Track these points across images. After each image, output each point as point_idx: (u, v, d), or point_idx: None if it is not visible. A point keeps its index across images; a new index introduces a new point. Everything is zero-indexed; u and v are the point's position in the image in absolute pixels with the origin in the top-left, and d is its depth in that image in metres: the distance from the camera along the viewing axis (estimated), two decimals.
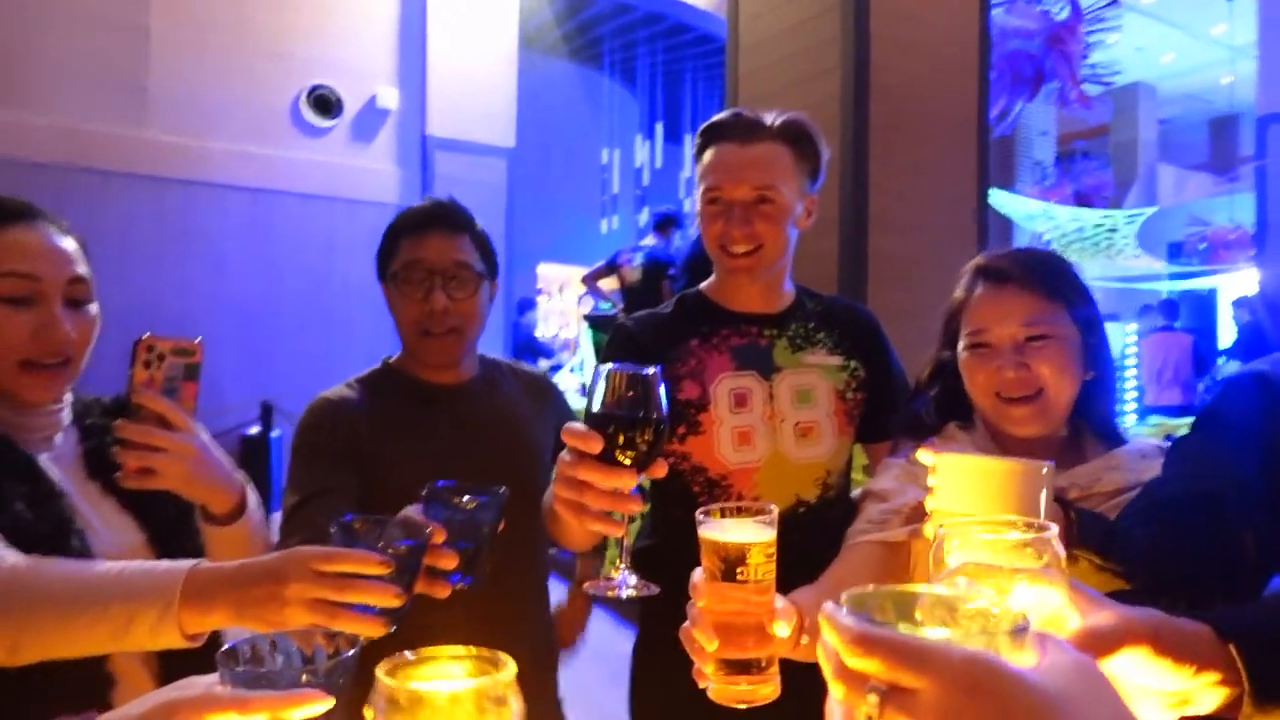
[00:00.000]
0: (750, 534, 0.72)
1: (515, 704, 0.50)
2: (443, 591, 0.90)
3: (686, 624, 0.75)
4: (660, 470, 0.81)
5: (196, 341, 0.99)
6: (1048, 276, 1.12)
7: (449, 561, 0.89)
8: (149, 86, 4.41)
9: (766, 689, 0.74)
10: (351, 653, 0.62)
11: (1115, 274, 9.91)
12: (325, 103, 4.82)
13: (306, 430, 1.30)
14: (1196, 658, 0.52)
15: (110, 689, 0.98)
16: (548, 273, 8.20)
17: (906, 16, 2.77)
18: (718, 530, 0.73)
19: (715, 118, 1.38)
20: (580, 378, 5.44)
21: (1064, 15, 5.09)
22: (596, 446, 0.78)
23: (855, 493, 1.29)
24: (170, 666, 1.00)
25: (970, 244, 2.91)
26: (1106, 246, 8.32)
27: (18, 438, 1.03)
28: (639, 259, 4.03)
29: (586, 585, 0.91)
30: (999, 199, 8.46)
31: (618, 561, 0.86)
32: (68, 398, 1.10)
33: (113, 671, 0.98)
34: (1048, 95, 5.80)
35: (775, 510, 0.73)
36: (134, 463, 0.94)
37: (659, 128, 8.32)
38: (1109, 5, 5.30)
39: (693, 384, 1.31)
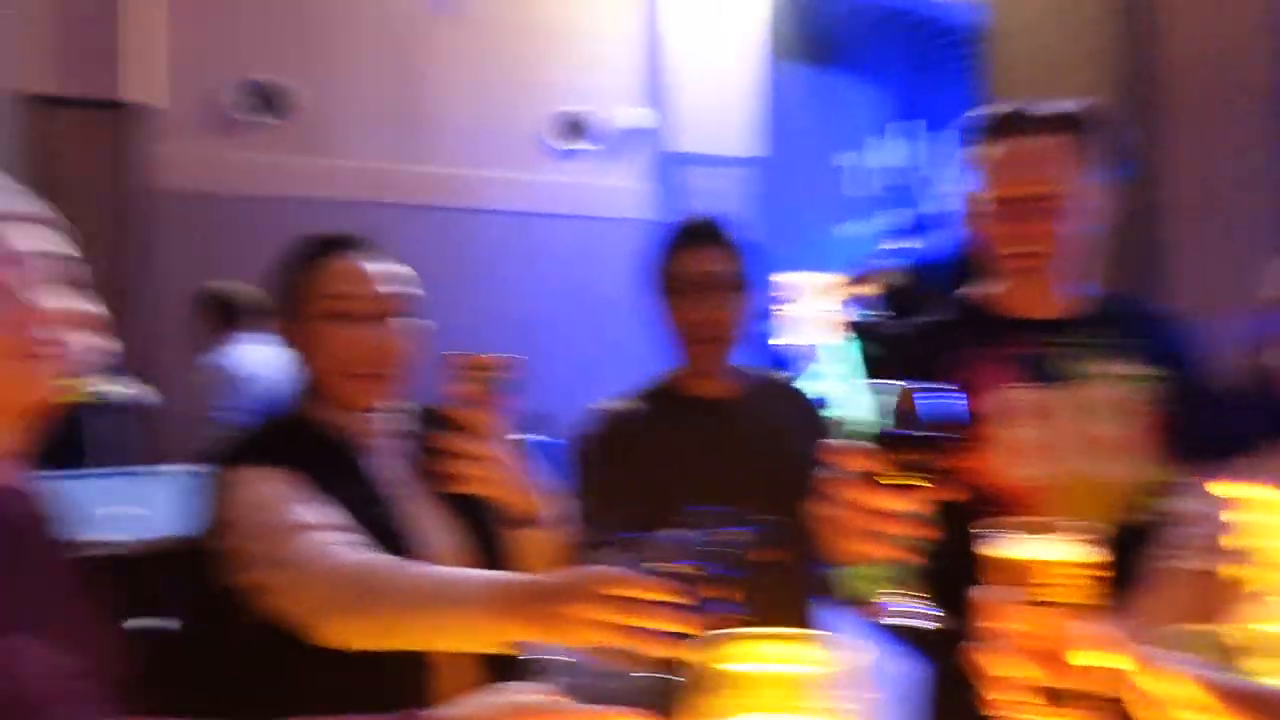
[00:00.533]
0: (1059, 550, 0.66)
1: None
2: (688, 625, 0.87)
3: (982, 650, 0.71)
4: (955, 493, 0.78)
5: (506, 358, 1.11)
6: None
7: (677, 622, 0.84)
8: (428, 124, 4.91)
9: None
10: (677, 677, 0.64)
11: None
12: (577, 126, 5.11)
13: (590, 438, 1.40)
14: None
15: (425, 675, 1.11)
16: (789, 281, 8.12)
17: None
18: (1024, 547, 0.67)
19: (991, 110, 1.30)
20: (822, 387, 5.34)
21: None
22: (879, 468, 0.76)
23: (1158, 515, 1.18)
24: (479, 659, 1.11)
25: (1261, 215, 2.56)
26: None
27: (350, 443, 1.20)
28: (899, 262, 3.90)
29: (870, 615, 0.89)
30: None
31: (894, 587, 0.83)
32: (393, 406, 1.26)
33: (428, 660, 1.11)
34: None
35: (1090, 526, 0.66)
36: (453, 470, 1.06)
37: (906, 126, 8.02)
38: None
39: (971, 396, 1.26)
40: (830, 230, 7.92)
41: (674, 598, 0.80)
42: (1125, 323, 1.27)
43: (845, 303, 5.22)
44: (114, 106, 4.36)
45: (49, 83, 4.26)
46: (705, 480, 1.22)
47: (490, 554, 1.14)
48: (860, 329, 4.07)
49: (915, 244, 3.97)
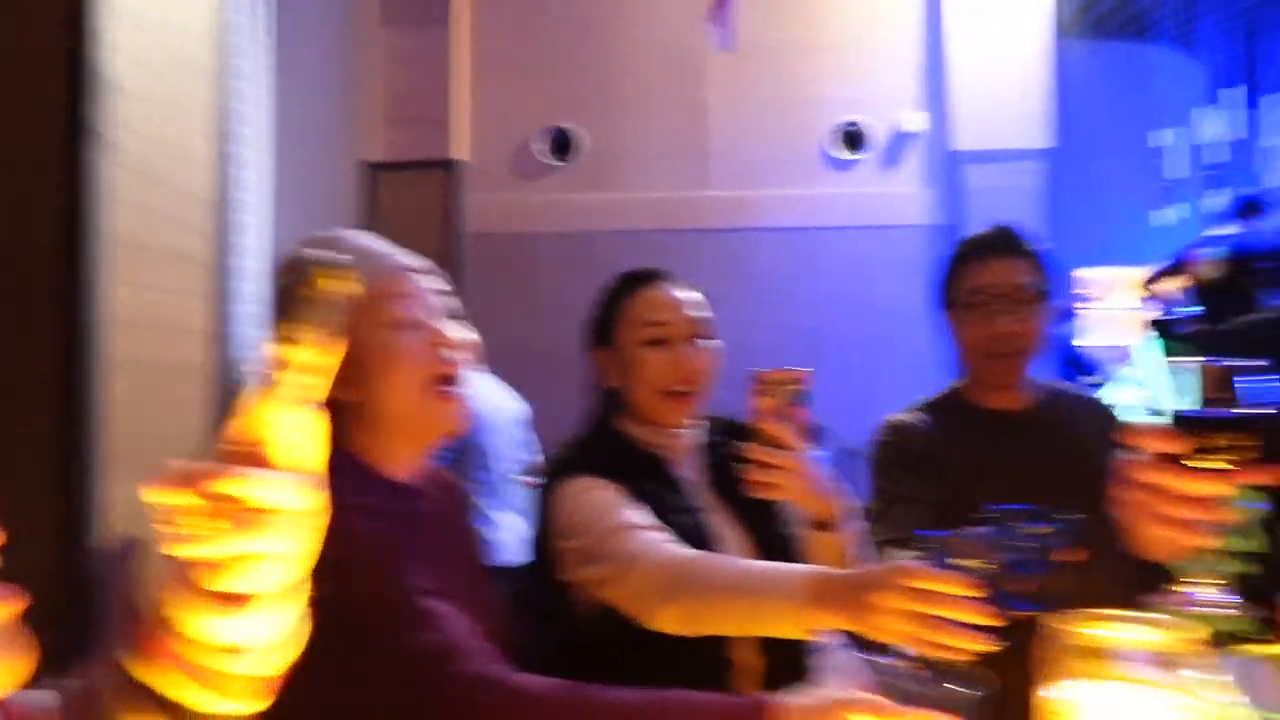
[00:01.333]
0: None
1: None
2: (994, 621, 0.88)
3: None
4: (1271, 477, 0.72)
5: (803, 372, 1.20)
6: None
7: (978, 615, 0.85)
8: (709, 151, 5.13)
9: None
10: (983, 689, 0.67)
11: None
12: (854, 137, 5.08)
13: (883, 446, 1.44)
14: None
15: (728, 671, 1.21)
16: (1093, 277, 7.43)
17: None
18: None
19: None
20: (1142, 392, 4.84)
21: None
22: (1178, 447, 0.74)
23: None
24: (775, 659, 1.20)
25: None
26: None
27: (662, 457, 1.33)
28: (1219, 251, 3.47)
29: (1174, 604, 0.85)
30: None
31: (1198, 576, 0.78)
32: (696, 421, 1.39)
33: (731, 657, 1.20)
34: None
35: None
36: (759, 478, 1.16)
37: (1230, 95, 7.06)
38: None
39: None
40: (1142, 219, 7.16)
41: (976, 592, 0.82)
42: None
43: (1149, 299, 4.70)
44: (437, 165, 5.03)
45: (384, 150, 5.02)
46: (999, 491, 1.21)
47: (780, 558, 1.22)
48: (1164, 328, 3.64)
49: (1237, 229, 3.46)
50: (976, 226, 4.85)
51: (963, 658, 0.80)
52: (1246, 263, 3.35)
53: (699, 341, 1.34)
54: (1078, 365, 5.84)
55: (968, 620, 0.82)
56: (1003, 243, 1.42)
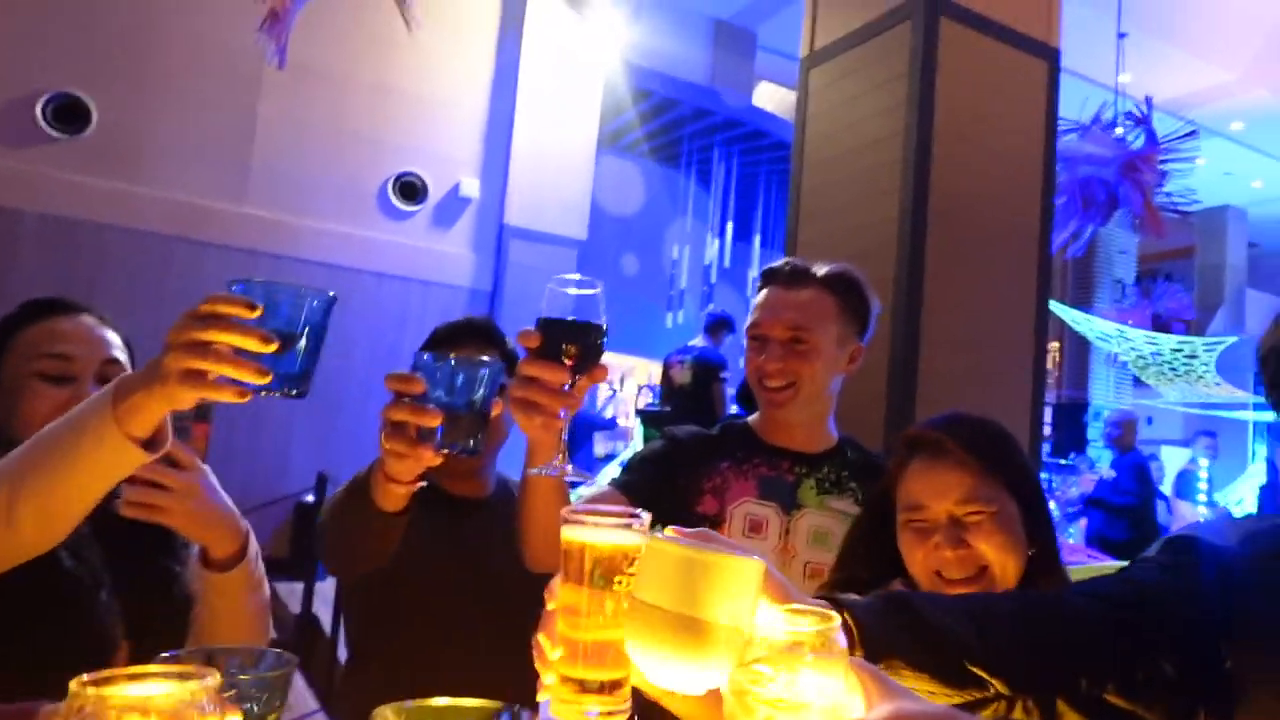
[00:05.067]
0: (624, 538, 0.67)
1: None
2: (429, 456, 0.98)
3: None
4: (600, 374, 0.97)
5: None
6: (984, 447, 1.09)
7: (430, 418, 0.96)
8: (252, 165, 4.74)
9: (618, 716, 0.67)
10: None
11: (1196, 399, 9.58)
12: (411, 189, 5.09)
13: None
14: None
15: (112, 653, 1.03)
16: (612, 362, 8.32)
17: (971, 140, 2.83)
18: (588, 532, 0.68)
19: (770, 264, 1.46)
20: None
21: (1139, 144, 5.12)
22: (535, 343, 0.94)
23: None
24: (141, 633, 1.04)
25: (1027, 363, 2.88)
26: (1185, 372, 8.08)
27: None
28: (689, 359, 4.07)
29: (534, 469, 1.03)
30: (1073, 318, 8.34)
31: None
32: None
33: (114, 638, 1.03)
34: (1124, 218, 5.77)
35: (647, 518, 0.68)
36: (135, 495, 1.00)
37: (730, 227, 8.50)
38: (1186, 137, 5.31)
39: (713, 499, 1.35)
40: (653, 317, 8.21)
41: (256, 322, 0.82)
42: (867, 471, 1.41)
43: (644, 388, 5.40)
44: None
45: None
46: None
47: (153, 594, 1.12)
48: (645, 416, 4.22)
49: (708, 342, 4.19)
50: (511, 296, 5.11)
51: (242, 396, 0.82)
52: (710, 371, 4.03)
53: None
54: (590, 425, 6.41)
55: (251, 346, 0.80)
56: (473, 331, 1.52)
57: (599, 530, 0.66)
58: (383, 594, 1.40)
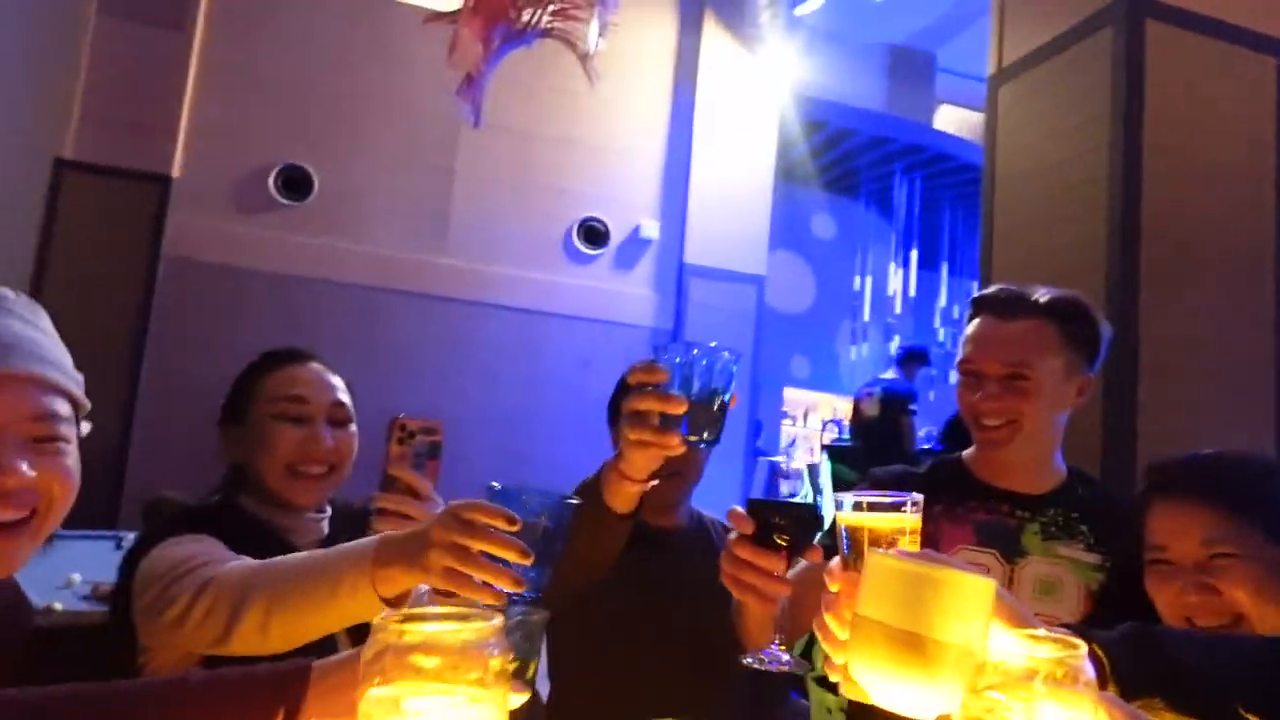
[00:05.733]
0: (901, 517, 0.69)
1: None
2: (675, 443, 0.96)
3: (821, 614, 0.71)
4: (813, 555, 0.91)
5: (438, 422, 1.15)
6: (1232, 484, 0.99)
7: (676, 405, 0.95)
8: (450, 218, 5.08)
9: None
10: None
11: None
12: (594, 233, 5.28)
13: None
14: None
15: None
16: (794, 397, 8.22)
17: (1186, 152, 2.60)
18: (866, 514, 0.70)
19: (982, 291, 1.38)
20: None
21: None
22: (748, 528, 0.90)
23: None
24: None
25: (1263, 393, 2.58)
26: None
27: (287, 540, 1.22)
28: (877, 392, 3.93)
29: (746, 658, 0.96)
30: None
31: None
32: (328, 510, 1.29)
33: None
34: None
35: (919, 498, 0.70)
36: (386, 525, 1.07)
37: (914, 256, 8.22)
38: None
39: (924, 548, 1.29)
40: (835, 352, 8.04)
41: (514, 528, 0.85)
42: (1098, 509, 1.30)
43: (828, 423, 5.28)
44: (145, 177, 4.54)
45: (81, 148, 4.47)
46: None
47: None
48: (833, 451, 4.10)
49: (899, 375, 4.02)
50: (693, 333, 5.19)
51: (497, 599, 0.84)
52: (900, 403, 3.86)
53: (336, 425, 1.26)
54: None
55: (509, 557, 0.84)
56: None
57: (875, 513, 0.69)
58: (580, 624, 1.43)
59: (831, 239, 8.38)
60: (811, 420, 8.16)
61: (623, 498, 1.11)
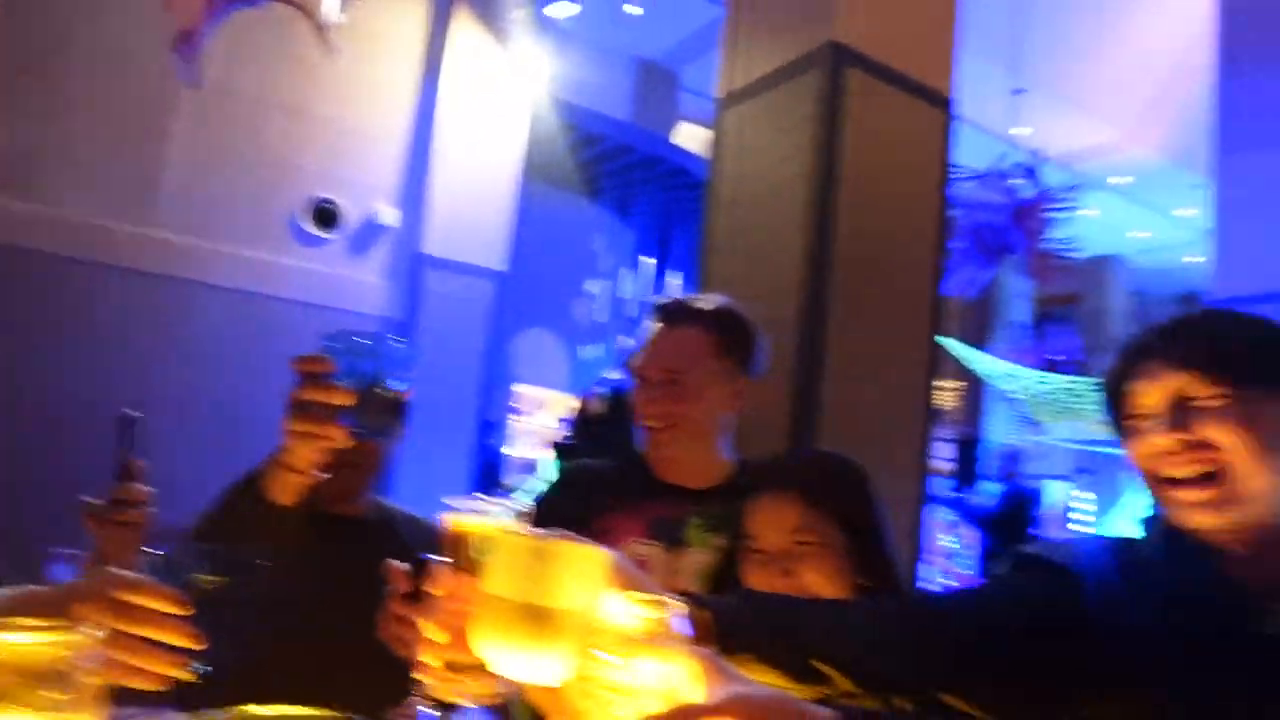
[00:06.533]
0: (491, 523, 0.71)
1: None
2: (339, 436, 0.91)
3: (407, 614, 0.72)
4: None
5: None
6: (814, 481, 1.16)
7: (341, 396, 0.90)
8: (162, 186, 4.62)
9: (488, 688, 0.69)
10: None
11: (1082, 437, 10.07)
12: (327, 215, 5.03)
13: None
14: None
15: None
16: (526, 393, 8.31)
17: (873, 186, 2.97)
18: (459, 516, 0.71)
19: (656, 299, 1.50)
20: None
21: (1029, 194, 5.44)
22: (407, 586, 0.87)
23: None
24: None
25: (920, 400, 3.02)
26: (1074, 410, 8.51)
27: None
28: (604, 391, 4.09)
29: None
30: (969, 356, 8.71)
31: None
32: None
33: None
34: (1018, 264, 6.10)
35: (523, 510, 0.73)
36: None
37: (649, 262, 8.63)
38: (1072, 189, 5.68)
39: (603, 542, 1.38)
40: (571, 350, 8.25)
41: (184, 610, 0.76)
42: (747, 497, 1.45)
43: (560, 421, 5.42)
44: None
45: None
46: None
47: None
48: (560, 450, 4.23)
49: (625, 374, 4.22)
50: (427, 326, 5.09)
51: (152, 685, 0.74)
52: (625, 404, 4.03)
53: None
54: (493, 471, 6.37)
55: (170, 640, 0.76)
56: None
57: (488, 520, 0.68)
58: (243, 609, 1.38)
59: (573, 241, 8.58)
60: (543, 417, 8.29)
61: (286, 489, 1.07)
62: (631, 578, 0.68)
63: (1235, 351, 0.96)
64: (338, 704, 0.92)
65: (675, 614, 0.55)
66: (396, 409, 0.96)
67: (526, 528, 0.65)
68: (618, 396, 3.84)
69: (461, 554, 0.71)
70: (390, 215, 5.18)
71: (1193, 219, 10.85)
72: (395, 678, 1.39)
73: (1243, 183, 6.15)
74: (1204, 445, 0.94)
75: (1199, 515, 0.95)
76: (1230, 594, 0.94)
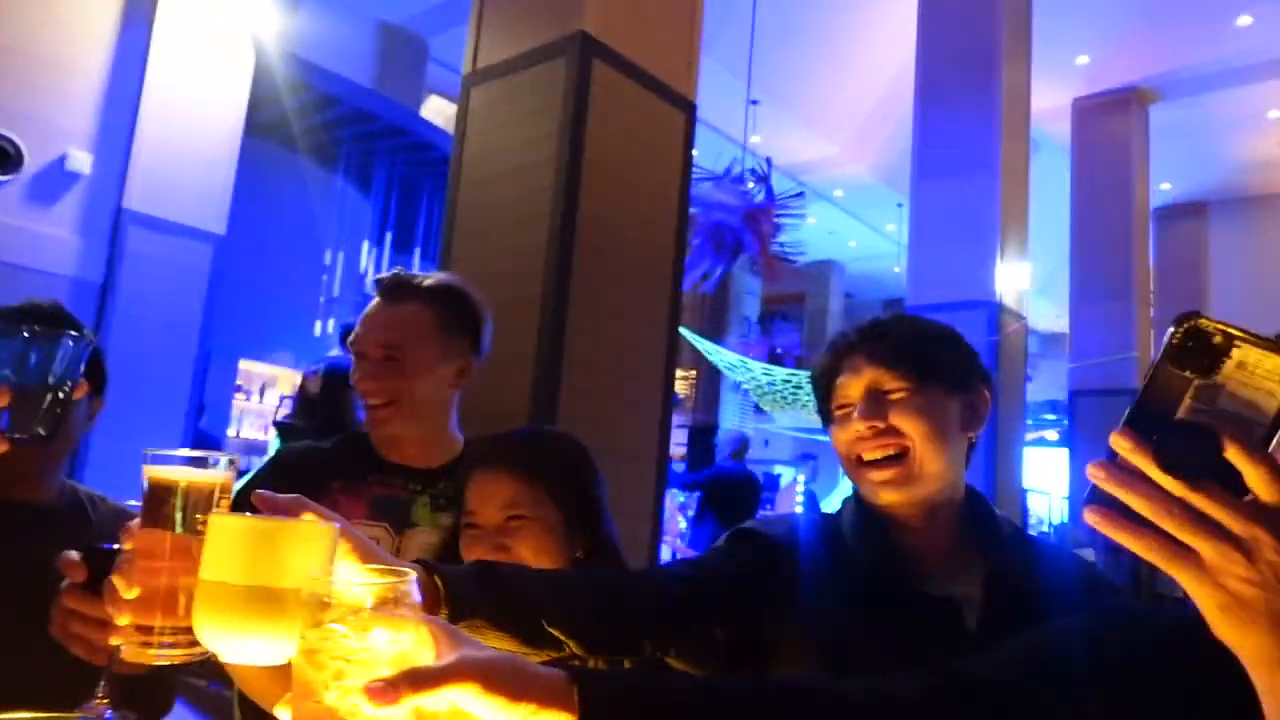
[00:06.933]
0: (193, 473, 0.68)
1: None
2: None
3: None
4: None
5: None
6: (529, 459, 1.20)
7: None
8: None
9: (185, 650, 0.67)
10: None
11: (803, 425, 11.04)
12: (2, 154, 4.31)
13: None
14: (539, 698, 0.54)
15: None
16: (251, 369, 7.67)
17: (616, 176, 3.02)
18: (159, 466, 0.68)
19: (379, 274, 1.44)
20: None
21: (760, 198, 5.85)
22: (80, 575, 0.85)
23: None
24: None
25: (658, 387, 3.12)
26: (794, 401, 9.28)
27: None
28: (321, 369, 3.86)
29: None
30: (706, 348, 9.24)
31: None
32: None
33: None
34: (749, 263, 6.54)
35: (231, 459, 0.70)
36: None
37: (388, 237, 8.27)
38: (796, 196, 6.18)
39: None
40: (304, 324, 7.71)
41: None
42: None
43: (284, 399, 5.08)
44: None
45: None
46: None
47: None
48: (282, 430, 3.97)
49: (344, 352, 3.99)
50: (128, 290, 4.53)
51: None
52: (343, 380, 3.79)
53: None
54: (208, 445, 5.82)
55: None
56: (33, 317, 1.33)
57: (190, 470, 0.66)
58: None
59: (306, 207, 8.02)
60: (269, 396, 7.71)
61: None
62: (361, 547, 0.68)
63: (919, 352, 1.09)
64: (20, 708, 0.84)
65: (407, 581, 0.54)
66: (63, 410, 0.84)
67: (237, 484, 0.63)
68: (331, 374, 3.63)
69: (159, 508, 0.66)
70: (83, 160, 4.52)
71: (895, 233, 12.23)
72: (78, 677, 1.22)
73: (933, 205, 7.03)
74: (892, 431, 1.06)
75: (885, 492, 1.07)
76: (905, 560, 1.07)
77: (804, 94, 9.63)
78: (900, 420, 1.05)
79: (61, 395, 0.85)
